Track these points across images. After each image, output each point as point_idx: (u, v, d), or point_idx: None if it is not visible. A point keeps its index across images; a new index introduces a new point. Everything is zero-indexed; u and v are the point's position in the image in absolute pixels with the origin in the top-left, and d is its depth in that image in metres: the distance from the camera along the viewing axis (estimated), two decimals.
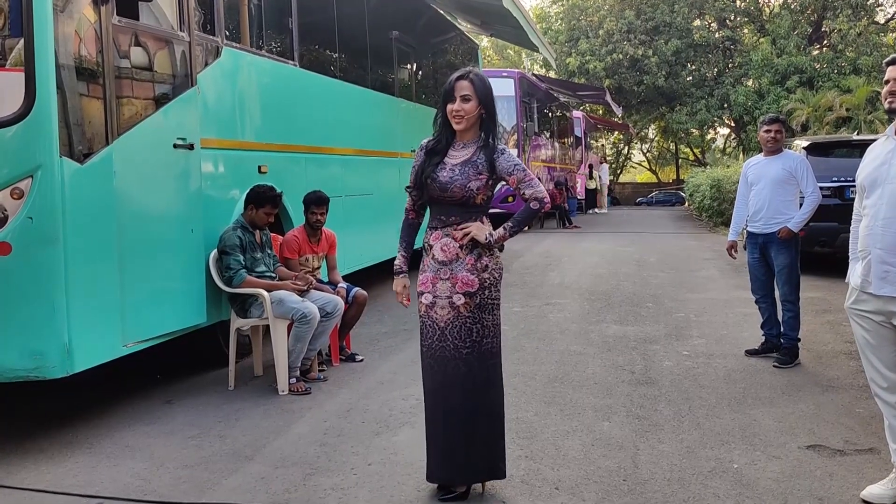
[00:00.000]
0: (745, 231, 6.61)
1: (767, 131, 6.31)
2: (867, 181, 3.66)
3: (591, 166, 30.57)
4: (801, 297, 6.26)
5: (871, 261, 3.57)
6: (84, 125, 4.61)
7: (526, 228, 17.67)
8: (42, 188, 4.34)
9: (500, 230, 3.67)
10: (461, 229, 3.65)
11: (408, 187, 3.87)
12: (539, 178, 17.44)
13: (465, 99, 3.63)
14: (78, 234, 4.49)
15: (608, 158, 46.49)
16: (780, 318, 6.33)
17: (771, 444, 4.50)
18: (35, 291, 4.40)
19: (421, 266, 3.80)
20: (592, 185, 29.73)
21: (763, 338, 6.51)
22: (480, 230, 3.65)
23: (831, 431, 4.66)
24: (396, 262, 3.88)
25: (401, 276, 3.87)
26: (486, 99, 3.67)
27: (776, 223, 6.17)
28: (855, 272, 3.72)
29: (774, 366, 6.11)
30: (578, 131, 30.40)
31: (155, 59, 5.34)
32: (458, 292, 3.65)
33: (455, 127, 3.68)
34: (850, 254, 3.87)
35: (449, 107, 3.65)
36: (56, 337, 4.41)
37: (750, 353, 6.47)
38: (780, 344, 6.26)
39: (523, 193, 3.70)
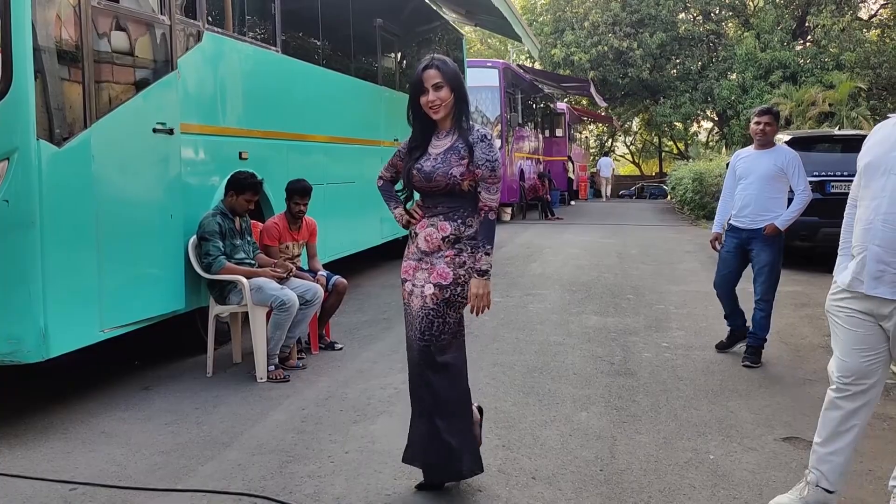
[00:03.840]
0: (726, 223, 6.46)
1: (757, 123, 6.11)
2: (871, 164, 3.31)
3: (569, 157, 30.73)
4: (780, 290, 6.25)
5: (866, 258, 3.26)
6: (62, 108, 4.56)
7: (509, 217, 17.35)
8: (18, 171, 4.30)
9: (484, 259, 3.56)
10: (472, 303, 3.57)
11: (387, 169, 3.87)
12: (522, 170, 17.31)
13: (437, 87, 3.55)
14: (55, 217, 4.45)
15: (591, 151, 46.64)
16: (752, 317, 6.17)
17: (747, 436, 4.53)
18: (11, 275, 4.37)
19: (405, 252, 3.78)
20: (572, 175, 30.39)
21: (728, 329, 6.44)
22: (477, 286, 3.55)
23: (808, 424, 4.68)
24: (395, 212, 3.82)
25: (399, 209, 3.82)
26: (455, 82, 3.60)
27: (763, 220, 6.02)
28: (845, 269, 3.42)
29: (746, 366, 6.03)
30: (562, 123, 30.43)
31: (135, 43, 5.29)
32: (430, 282, 3.62)
33: (434, 117, 3.60)
34: (840, 245, 3.53)
35: (423, 99, 3.57)
36: (32, 321, 4.39)
37: (719, 348, 6.44)
38: (746, 333, 6.22)
39: (479, 192, 3.58)
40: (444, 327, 3.61)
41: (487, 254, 3.57)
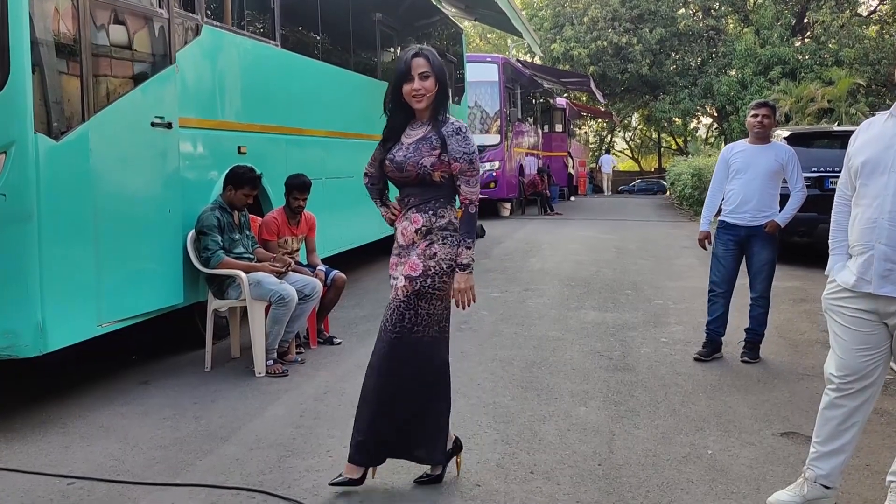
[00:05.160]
0: (716, 220, 6.27)
1: (755, 115, 5.96)
2: (869, 163, 3.24)
3: (569, 153, 30.82)
4: (779, 286, 6.19)
5: (873, 257, 3.20)
6: (60, 101, 4.54)
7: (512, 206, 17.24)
8: (15, 164, 4.28)
9: (465, 253, 3.53)
10: (456, 297, 3.56)
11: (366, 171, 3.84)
12: (522, 166, 17.23)
13: (423, 76, 3.51)
14: (52, 212, 4.44)
15: (592, 146, 46.78)
16: (750, 314, 6.10)
17: (745, 431, 4.53)
18: (8, 269, 4.35)
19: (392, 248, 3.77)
20: (571, 171, 30.89)
21: (706, 336, 6.19)
22: (459, 280, 3.53)
23: (805, 419, 4.68)
24: (381, 210, 3.81)
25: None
26: (441, 74, 3.56)
27: (764, 217, 5.92)
28: (844, 268, 3.37)
29: (744, 361, 6.02)
30: (562, 118, 30.45)
31: (133, 36, 5.27)
32: (402, 274, 3.59)
33: (416, 106, 3.56)
34: (830, 243, 3.53)
35: (407, 87, 3.53)
36: (29, 315, 4.37)
37: (699, 359, 6.08)
38: (721, 345, 6.15)
39: (459, 186, 3.56)
40: (417, 319, 3.56)
41: (468, 248, 3.55)
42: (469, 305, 3.59)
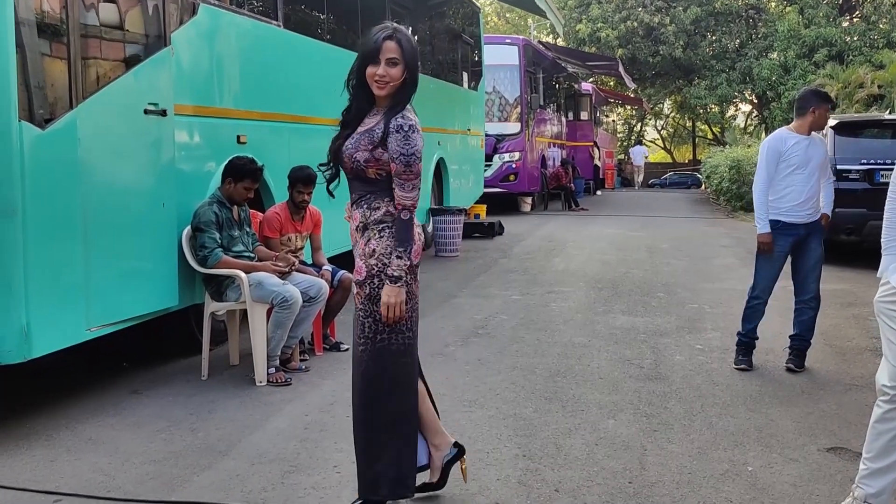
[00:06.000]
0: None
1: (829, 111, 6.04)
2: None
3: (595, 143, 30.78)
4: (825, 288, 6.16)
5: None
6: (46, 87, 4.56)
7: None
8: None
9: (396, 263, 3.42)
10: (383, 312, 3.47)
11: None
12: (544, 157, 17.17)
13: (391, 63, 3.44)
14: (38, 206, 4.45)
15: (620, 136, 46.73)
16: (799, 318, 6.05)
17: (789, 446, 4.51)
18: None
19: None
20: (598, 162, 31.04)
21: (742, 344, 6.16)
22: (388, 293, 3.42)
23: (854, 433, 4.65)
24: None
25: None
26: (412, 63, 3.49)
27: (818, 211, 5.98)
28: None
29: (789, 369, 6.00)
30: (588, 105, 30.42)
31: (125, 16, 5.29)
32: (353, 282, 3.57)
33: (377, 93, 3.51)
34: (883, 242, 3.54)
35: (371, 70, 3.46)
36: (13, 319, 4.38)
37: (742, 369, 6.03)
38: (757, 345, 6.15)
39: (394, 188, 3.47)
40: (377, 326, 3.50)
41: (399, 257, 3.44)
42: (394, 322, 3.48)
